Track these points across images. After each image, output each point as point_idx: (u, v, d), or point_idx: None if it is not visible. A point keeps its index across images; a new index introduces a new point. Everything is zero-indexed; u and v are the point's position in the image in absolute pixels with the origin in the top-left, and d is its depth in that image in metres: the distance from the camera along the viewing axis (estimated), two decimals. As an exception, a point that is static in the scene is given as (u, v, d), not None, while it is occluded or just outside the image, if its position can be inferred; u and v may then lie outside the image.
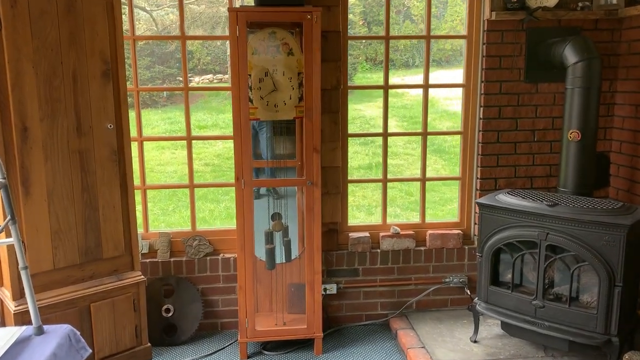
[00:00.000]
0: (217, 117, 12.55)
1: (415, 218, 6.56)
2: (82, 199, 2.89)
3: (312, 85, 2.98)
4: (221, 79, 16.03)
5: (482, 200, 3.11)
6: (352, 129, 10.98)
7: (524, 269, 3.11)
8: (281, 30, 3.03)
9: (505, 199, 3.06)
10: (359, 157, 9.55)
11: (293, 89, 3.08)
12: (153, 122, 12.05)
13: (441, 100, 12.81)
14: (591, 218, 2.72)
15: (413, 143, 10.08)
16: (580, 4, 3.33)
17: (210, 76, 16.53)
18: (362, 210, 7.01)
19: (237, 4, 3.32)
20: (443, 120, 11.89)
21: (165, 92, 12.88)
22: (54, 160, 2.77)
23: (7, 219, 2.19)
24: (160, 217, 6.82)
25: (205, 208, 7.09)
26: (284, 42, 3.04)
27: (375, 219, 6.49)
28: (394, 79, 12.81)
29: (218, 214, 6.88)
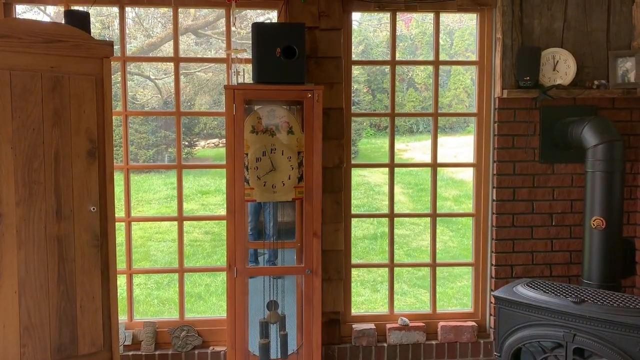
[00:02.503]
0: (220, 182, 12.41)
1: (423, 297, 6.22)
2: (58, 290, 2.62)
3: (312, 165, 2.77)
4: (227, 143, 16.08)
5: (499, 293, 2.82)
6: (356, 196, 10.80)
7: (548, 372, 2.78)
8: (281, 107, 2.86)
9: (524, 292, 2.77)
10: (364, 226, 9.28)
11: (292, 168, 2.87)
12: (155, 187, 11.90)
13: (447, 168, 12.69)
14: (624, 319, 2.42)
15: (419, 210, 9.85)
16: (596, 82, 3.17)
17: (216, 140, 16.59)
18: (366, 286, 6.67)
19: (237, 80, 3.17)
20: (449, 189, 11.69)
21: (166, 157, 12.80)
22: (29, 247, 2.53)
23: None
24: (154, 291, 6.49)
25: (201, 282, 6.76)
26: (284, 120, 2.86)
27: (381, 298, 6.15)
28: (398, 145, 12.73)
29: (215, 289, 6.55)
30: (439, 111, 3.34)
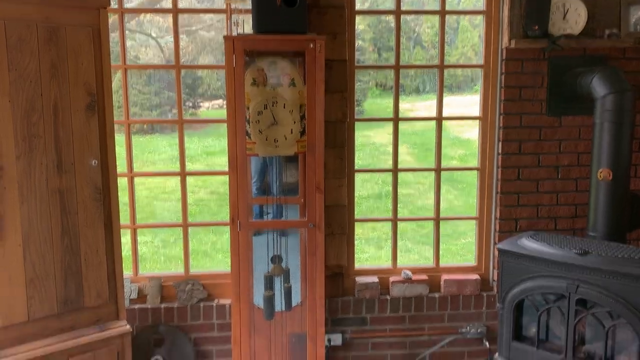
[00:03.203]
0: (225, 143, 12.37)
1: (427, 253, 6.25)
2: (62, 243, 2.63)
3: (315, 118, 2.73)
4: (232, 104, 15.96)
5: (503, 245, 2.82)
6: (361, 157, 10.73)
7: (550, 323, 2.80)
8: (282, 59, 2.80)
9: (529, 244, 2.76)
10: (368, 185, 9.27)
11: (295, 122, 2.83)
12: (160, 147, 11.90)
13: (452, 127, 12.56)
14: (628, 270, 2.41)
15: (425, 171, 9.80)
16: (607, 32, 3.07)
17: (220, 101, 16.48)
18: (370, 243, 6.71)
19: (236, 31, 3.10)
20: (455, 148, 11.61)
21: (170, 118, 12.72)
22: (31, 201, 2.52)
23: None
24: (161, 249, 6.57)
25: (207, 240, 6.83)
26: (286, 72, 2.80)
27: (385, 255, 6.18)
28: (404, 105, 12.58)
29: (221, 246, 6.61)
30: (445, 66, 3.26)
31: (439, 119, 3.30)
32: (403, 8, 3.19)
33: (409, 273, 3.28)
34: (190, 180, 10.07)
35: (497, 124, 3.24)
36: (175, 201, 8.58)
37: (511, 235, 3.22)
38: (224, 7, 3.10)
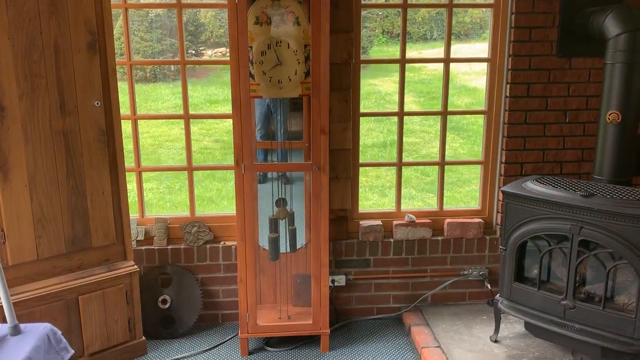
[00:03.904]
0: (229, 92, 12.25)
1: (431, 200, 6.27)
2: (68, 184, 2.65)
3: (319, 59, 2.68)
4: (234, 51, 15.70)
5: (507, 188, 2.81)
6: (366, 105, 10.61)
7: (552, 264, 2.83)
8: (286, -3, 2.72)
9: (533, 187, 2.76)
10: (374, 134, 9.21)
11: (299, 63, 2.78)
12: (164, 96, 11.80)
13: (460, 75, 12.35)
14: (632, 211, 2.41)
15: (430, 120, 9.71)
16: (623, -32, 2.96)
17: (223, 49, 16.16)
18: (374, 191, 6.72)
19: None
20: (462, 97, 11.45)
21: (172, 66, 12.58)
22: (35, 142, 2.52)
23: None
24: (167, 195, 6.61)
25: (212, 187, 6.86)
26: (290, 10, 2.73)
27: (389, 202, 6.21)
28: (411, 53, 12.33)
29: (226, 193, 6.65)
30: (454, 5, 3.16)
31: (447, 61, 3.23)
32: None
33: (413, 217, 3.30)
34: (194, 128, 9.95)
35: (505, 65, 3.17)
36: (179, 149, 8.58)
37: (516, 179, 3.22)
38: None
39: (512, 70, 3.13)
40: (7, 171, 2.47)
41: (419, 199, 6.32)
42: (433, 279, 3.36)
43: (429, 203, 6.15)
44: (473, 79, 12.02)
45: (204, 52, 15.97)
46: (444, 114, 3.33)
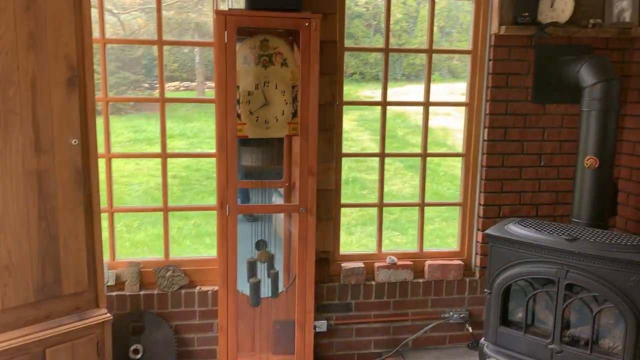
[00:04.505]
0: (184, 126, 12.07)
1: (397, 238, 6.29)
2: (39, 227, 2.46)
3: (309, 100, 2.65)
4: (188, 86, 15.58)
5: (491, 231, 2.83)
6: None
7: (536, 307, 2.84)
8: (274, 37, 2.70)
9: (517, 230, 2.79)
10: (334, 171, 9.24)
11: (286, 103, 2.75)
12: (116, 130, 11.49)
13: (413, 115, 12.68)
14: (617, 255, 2.46)
15: (388, 158, 9.85)
16: (592, 21, 3.12)
17: (176, 83, 16.02)
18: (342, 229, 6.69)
19: (229, 5, 2.97)
20: (416, 136, 11.73)
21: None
22: (6, 183, 2.34)
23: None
24: (125, 234, 6.34)
25: (173, 225, 6.64)
26: (277, 51, 2.71)
27: (356, 240, 6.18)
28: (365, 92, 12.61)
29: (187, 232, 6.45)
30: (434, 50, 3.23)
31: (427, 104, 3.28)
32: (393, -10, 3.13)
33: (394, 259, 3.27)
34: (150, 164, 9.65)
35: (483, 110, 3.24)
36: (134, 186, 8.34)
37: (495, 221, 3.26)
38: (211, -19, 2.96)
39: (490, 115, 3.20)
40: (-26, 214, 2.28)
41: (385, 237, 6.31)
42: (414, 322, 3.32)
43: (395, 242, 6.16)
44: (421, 118, 12.37)
45: (156, 85, 15.77)
46: (424, 155, 3.36)
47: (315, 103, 2.65)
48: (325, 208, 3.15)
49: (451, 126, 12.05)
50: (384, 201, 3.41)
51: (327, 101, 3.04)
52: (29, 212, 2.42)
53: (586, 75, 2.86)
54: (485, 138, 3.23)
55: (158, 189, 8.42)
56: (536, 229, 2.77)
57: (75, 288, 2.61)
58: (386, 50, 3.19)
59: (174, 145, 11.05)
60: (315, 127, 2.68)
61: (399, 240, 6.33)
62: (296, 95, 2.75)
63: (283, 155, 3.04)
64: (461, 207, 3.38)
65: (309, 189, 2.72)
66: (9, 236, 2.38)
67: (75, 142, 2.51)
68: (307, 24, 2.58)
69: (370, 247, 6.01)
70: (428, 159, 3.38)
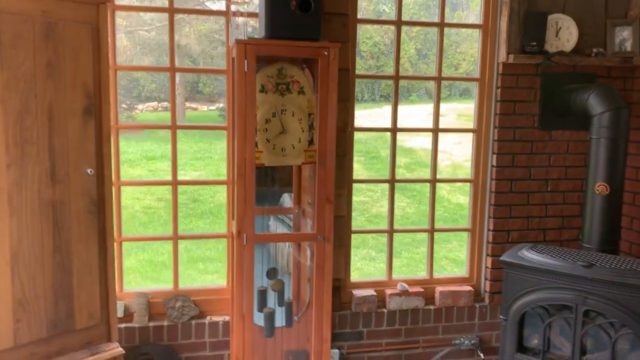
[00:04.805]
0: (165, 148, 11.96)
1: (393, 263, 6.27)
2: (54, 260, 2.39)
3: (326, 127, 2.64)
4: (166, 107, 15.46)
5: (507, 257, 2.85)
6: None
7: (551, 334, 2.85)
8: (291, 66, 2.70)
9: (532, 256, 2.81)
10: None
11: (303, 131, 2.73)
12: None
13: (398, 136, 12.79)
14: (635, 281, 2.49)
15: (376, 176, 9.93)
16: (595, 50, 3.20)
17: (154, 103, 15.92)
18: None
19: (245, 34, 2.96)
20: (399, 157, 11.83)
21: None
22: (21, 214, 2.27)
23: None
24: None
25: (163, 250, 6.53)
26: (295, 79, 2.70)
27: (354, 262, 6.14)
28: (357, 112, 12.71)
29: (180, 258, 6.32)
30: (442, 78, 3.27)
31: (436, 130, 3.31)
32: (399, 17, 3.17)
33: (406, 285, 3.25)
34: (129, 188, 9.47)
35: (491, 136, 3.28)
36: (126, 207, 8.18)
37: (503, 247, 3.29)
38: (224, 9, 2.96)
39: (499, 141, 3.24)
40: (-12, 248, 2.19)
41: (380, 260, 6.31)
42: (425, 349, 3.30)
43: (420, 275, 6.15)
44: (407, 139, 12.47)
45: (135, 106, 15.61)
46: (433, 181, 3.38)
47: (333, 130, 2.65)
48: (337, 235, 3.12)
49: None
50: (394, 227, 3.39)
51: (339, 128, 3.03)
52: (44, 245, 2.35)
53: (595, 104, 2.92)
54: (494, 164, 3.26)
55: (144, 212, 8.30)
56: (550, 255, 2.79)
57: (88, 322, 2.54)
58: (396, 78, 3.21)
59: (156, 167, 10.95)
60: (332, 154, 2.67)
61: (394, 264, 6.34)
62: (312, 123, 2.74)
63: (292, 181, 3.03)
64: (470, 232, 3.39)
65: (326, 216, 2.70)
66: (23, 270, 2.30)
67: (90, 171, 2.46)
68: (326, 53, 2.58)
69: (365, 270, 6.00)
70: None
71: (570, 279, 2.64)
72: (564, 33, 3.17)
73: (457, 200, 9.49)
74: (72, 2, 2.33)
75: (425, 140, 11.82)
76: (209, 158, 11.40)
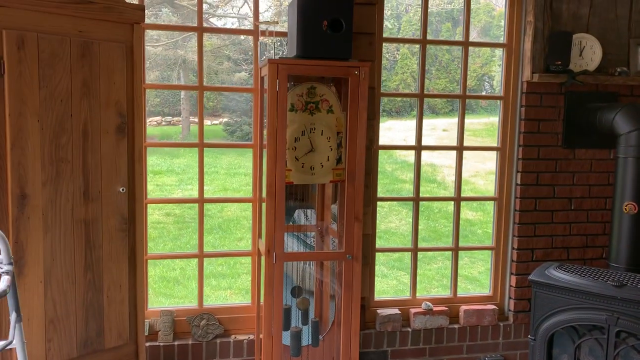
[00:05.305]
0: (171, 162, 11.97)
1: (403, 278, 6.24)
2: (85, 279, 2.38)
3: (356, 145, 2.64)
4: (170, 121, 15.51)
5: (535, 277, 2.83)
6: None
7: (580, 354, 2.83)
8: (321, 85, 2.71)
9: (560, 276, 2.79)
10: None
11: (331, 149, 2.74)
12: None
13: (398, 151, 12.81)
14: (668, 302, 2.48)
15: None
16: (618, 69, 3.21)
17: (158, 118, 15.97)
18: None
19: (274, 54, 2.98)
20: (405, 172, 11.84)
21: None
22: (55, 232, 2.27)
23: (14, 318, 1.68)
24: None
25: (175, 266, 6.50)
26: (324, 98, 2.72)
27: (378, 280, 6.12)
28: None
29: (191, 273, 6.30)
30: (467, 96, 3.29)
31: (460, 149, 3.31)
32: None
33: (430, 305, 3.23)
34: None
35: (515, 155, 3.28)
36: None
37: (527, 265, 3.27)
38: (252, 28, 2.98)
39: (523, 160, 3.24)
40: (23, 266, 2.18)
41: (392, 277, 6.28)
42: (450, 369, 3.27)
43: (403, 282, 6.12)
44: (410, 154, 12.51)
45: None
46: (458, 199, 3.37)
47: (362, 149, 2.65)
48: (362, 253, 3.11)
49: (438, 162, 12.23)
50: (418, 246, 3.37)
51: (365, 146, 3.04)
52: (76, 262, 2.35)
53: (622, 123, 2.92)
54: (519, 182, 3.26)
55: (153, 227, 8.27)
56: (580, 275, 2.78)
57: (117, 341, 2.52)
58: (421, 96, 3.23)
59: (163, 182, 10.93)
60: (362, 172, 2.67)
61: (406, 280, 6.30)
62: (341, 142, 2.75)
63: (315, 198, 3.03)
64: (494, 251, 3.38)
65: (355, 235, 2.69)
66: (56, 288, 2.29)
67: (122, 190, 2.45)
68: (356, 72, 2.59)
69: (378, 288, 5.96)
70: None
71: (602, 299, 2.62)
72: (587, 52, 3.19)
73: (465, 215, 9.47)
74: (108, 21, 2.34)
75: (430, 155, 11.85)
76: (215, 173, 11.39)
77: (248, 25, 10.96)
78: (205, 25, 3.03)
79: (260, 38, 2.94)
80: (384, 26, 3.10)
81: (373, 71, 3.01)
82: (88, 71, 2.30)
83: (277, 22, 2.86)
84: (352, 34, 2.59)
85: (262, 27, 2.91)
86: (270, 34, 2.89)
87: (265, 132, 2.70)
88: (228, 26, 12.74)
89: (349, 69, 2.59)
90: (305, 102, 2.69)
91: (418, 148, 3.27)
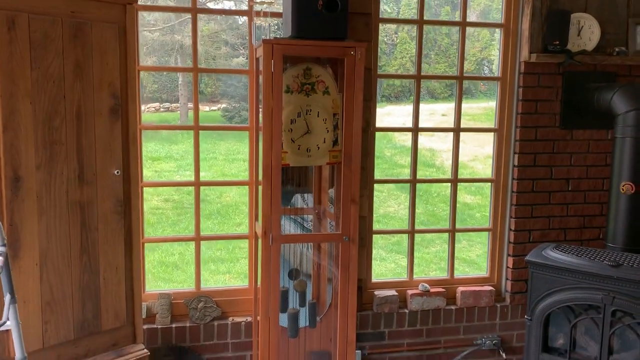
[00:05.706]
0: (169, 148, 11.93)
1: (401, 261, 6.26)
2: (81, 261, 2.38)
3: (352, 127, 2.63)
4: (168, 107, 15.45)
5: (532, 257, 2.83)
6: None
7: (576, 333, 2.84)
8: (317, 66, 2.69)
9: (557, 256, 2.80)
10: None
11: (328, 131, 2.72)
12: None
13: (397, 135, 12.80)
14: (664, 281, 2.48)
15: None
16: (616, 49, 3.19)
17: (156, 104, 15.90)
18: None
19: (269, 35, 2.95)
20: (403, 156, 11.83)
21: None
22: (50, 215, 2.26)
23: (8, 299, 1.68)
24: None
25: (173, 251, 6.51)
26: (320, 79, 2.69)
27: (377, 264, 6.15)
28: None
29: (189, 257, 6.32)
30: (464, 77, 3.26)
31: (457, 130, 3.29)
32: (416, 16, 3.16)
33: (427, 286, 3.24)
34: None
35: (512, 136, 3.27)
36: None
37: (524, 247, 3.28)
38: (247, 8, 2.95)
39: (520, 141, 3.23)
40: (18, 249, 2.18)
41: (390, 260, 6.30)
42: (447, 350, 3.29)
43: (401, 265, 6.15)
44: (408, 139, 12.49)
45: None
46: (454, 181, 3.37)
47: (358, 130, 2.63)
48: (360, 235, 3.10)
49: (436, 147, 12.22)
50: (415, 227, 3.37)
51: (362, 128, 3.02)
52: (71, 245, 2.34)
53: (619, 103, 2.91)
54: (516, 164, 3.25)
55: (152, 213, 8.27)
56: (576, 255, 2.78)
57: (114, 323, 2.53)
58: (418, 77, 3.20)
59: (161, 168, 10.91)
60: (358, 154, 2.65)
61: (404, 263, 6.32)
62: (337, 123, 2.73)
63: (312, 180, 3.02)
64: (491, 232, 3.38)
65: (351, 217, 2.69)
66: (52, 271, 2.29)
67: (117, 172, 2.44)
68: (352, 53, 2.57)
69: (376, 271, 5.98)
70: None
71: (598, 278, 2.63)
72: (586, 32, 3.16)
73: (463, 199, 9.48)
74: (100, 2, 2.32)
75: (428, 139, 11.84)
76: (213, 159, 11.37)
77: (245, 9, 10.89)
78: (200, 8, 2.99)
79: (255, 18, 2.91)
80: (383, 10, 3.07)
81: (369, 52, 2.98)
82: (81, 52, 2.28)
83: (272, 2, 2.82)
84: (347, 13, 2.56)
85: (257, 7, 2.88)
86: (265, 14, 2.86)
87: (260, 114, 2.68)
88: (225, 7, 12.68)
89: (345, 49, 2.56)
90: (301, 84, 2.67)
91: (415, 130, 3.25)
